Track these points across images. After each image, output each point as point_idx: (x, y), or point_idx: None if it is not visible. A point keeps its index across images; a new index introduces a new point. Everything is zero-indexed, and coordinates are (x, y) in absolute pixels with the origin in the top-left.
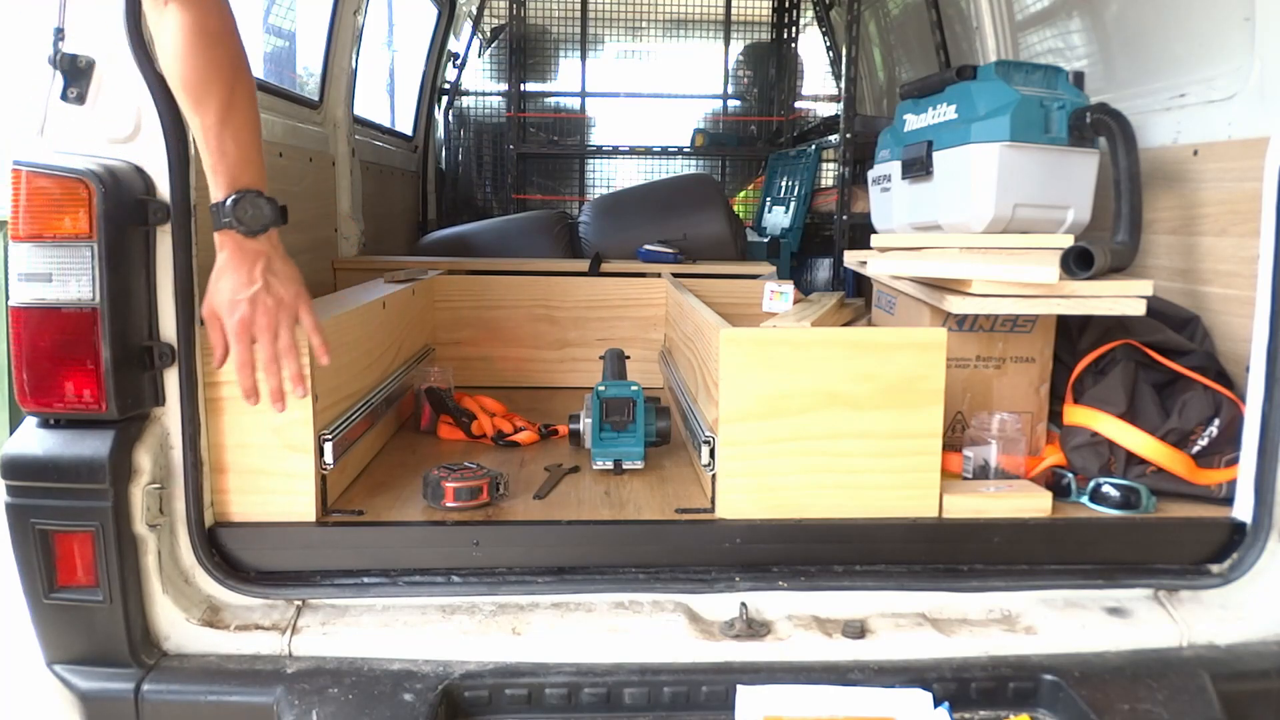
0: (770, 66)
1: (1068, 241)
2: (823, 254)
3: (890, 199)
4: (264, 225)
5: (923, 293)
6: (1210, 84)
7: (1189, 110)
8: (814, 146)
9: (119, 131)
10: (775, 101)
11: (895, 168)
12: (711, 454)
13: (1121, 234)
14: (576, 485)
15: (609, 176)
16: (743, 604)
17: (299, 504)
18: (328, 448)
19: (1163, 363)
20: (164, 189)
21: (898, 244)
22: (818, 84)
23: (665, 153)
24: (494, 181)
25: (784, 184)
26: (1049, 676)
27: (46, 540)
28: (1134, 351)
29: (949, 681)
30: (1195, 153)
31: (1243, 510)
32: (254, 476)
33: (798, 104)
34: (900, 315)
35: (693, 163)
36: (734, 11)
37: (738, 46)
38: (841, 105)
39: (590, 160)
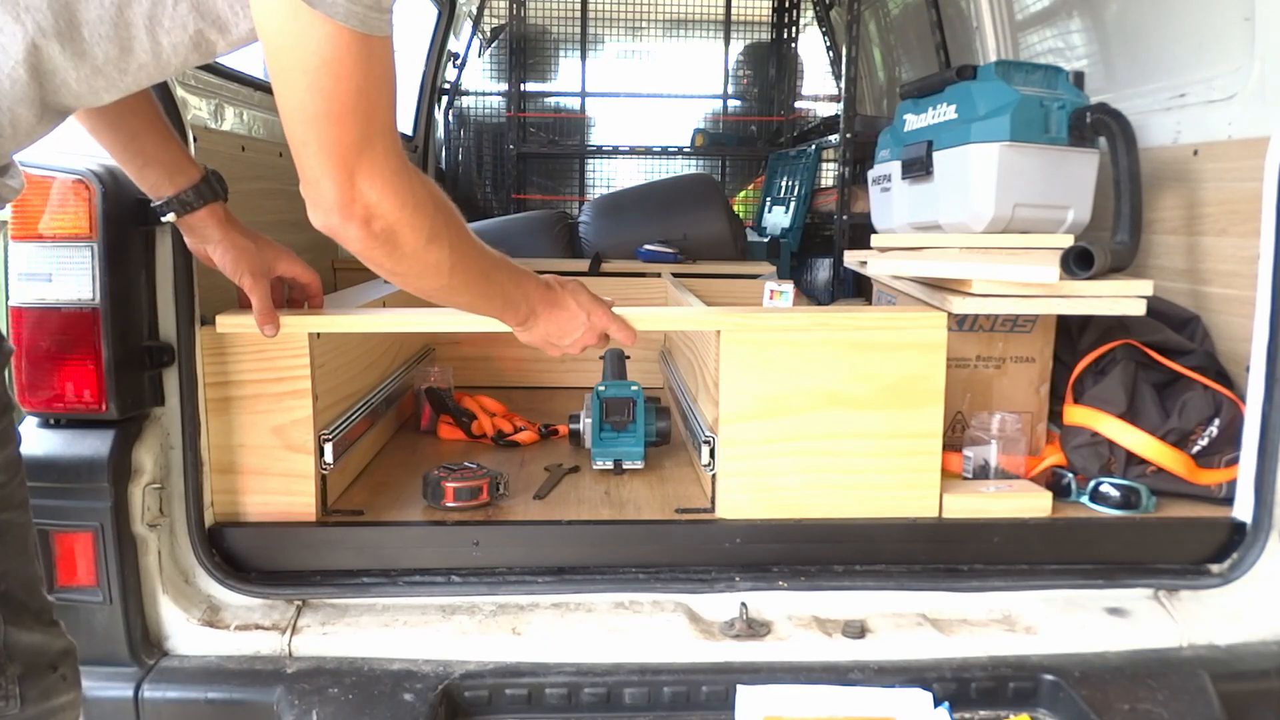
0: (770, 66)
1: (1068, 241)
2: (823, 254)
3: (890, 199)
4: None
5: (923, 293)
6: (1210, 84)
7: (1189, 110)
8: (814, 146)
9: None
10: (775, 101)
11: (895, 168)
12: (711, 454)
13: (1121, 234)
14: (576, 485)
15: (609, 176)
16: (743, 604)
17: (299, 504)
18: (328, 448)
19: (1163, 363)
20: None
21: (898, 244)
22: (818, 84)
23: (665, 153)
24: (494, 181)
25: (784, 184)
26: (1049, 676)
27: (47, 540)
28: (1134, 351)
29: (949, 681)
30: (1195, 153)
31: (1243, 510)
32: (254, 476)
33: (798, 104)
34: None
35: (693, 163)
36: (734, 11)
37: (738, 46)
38: (841, 105)
39: (590, 160)
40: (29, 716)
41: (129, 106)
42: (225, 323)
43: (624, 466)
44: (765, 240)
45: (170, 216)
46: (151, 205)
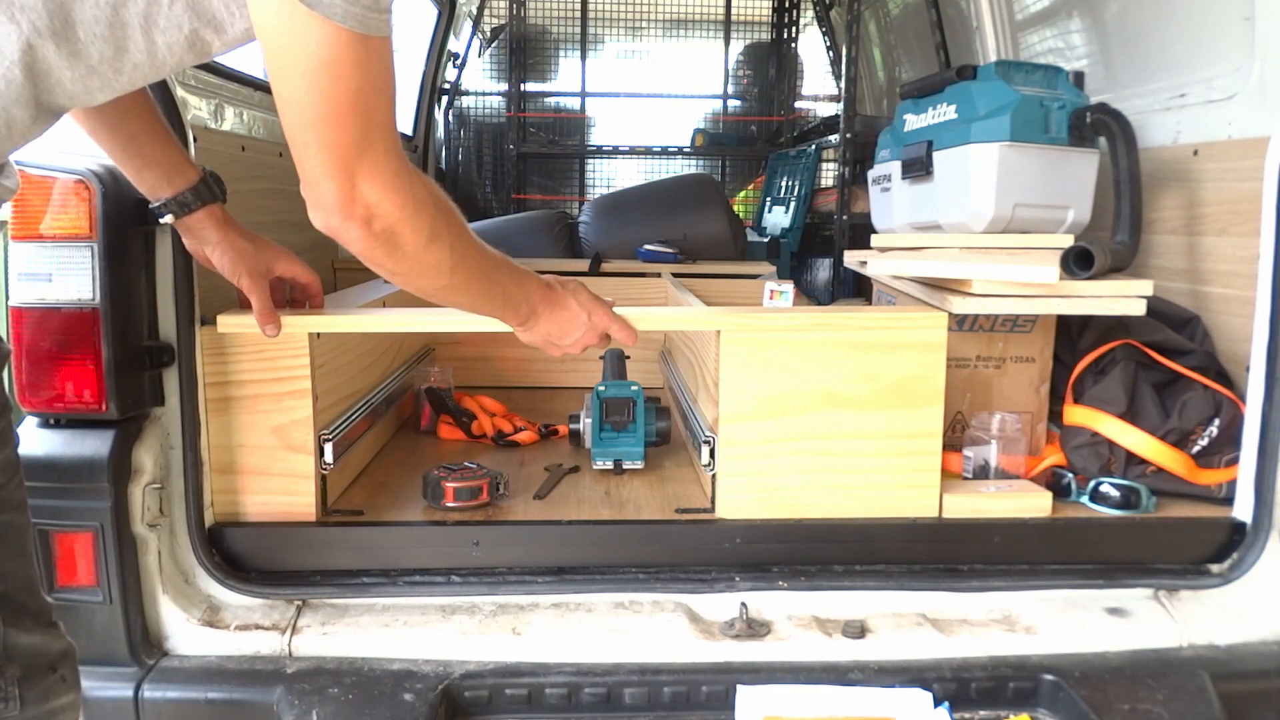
0: (770, 66)
1: (1068, 241)
2: (823, 254)
3: (890, 199)
4: None
5: (923, 293)
6: (1210, 84)
7: (1189, 110)
8: (814, 146)
9: None
10: (775, 101)
11: (895, 168)
12: (711, 454)
13: (1121, 234)
14: (576, 485)
15: (609, 176)
16: (743, 604)
17: (299, 504)
18: (328, 448)
19: (1163, 363)
20: None
21: (898, 244)
22: (818, 84)
23: (665, 153)
24: (494, 181)
25: (784, 184)
26: (1049, 676)
27: (46, 540)
28: (1134, 351)
29: (949, 681)
30: (1195, 153)
31: (1243, 510)
32: (254, 476)
33: (798, 104)
34: None
35: (693, 163)
36: (734, 11)
37: (738, 46)
38: (841, 105)
39: (590, 160)
40: (28, 718)
41: (127, 108)
42: (225, 323)
43: (624, 466)
44: (765, 240)
45: (168, 218)
46: (150, 206)
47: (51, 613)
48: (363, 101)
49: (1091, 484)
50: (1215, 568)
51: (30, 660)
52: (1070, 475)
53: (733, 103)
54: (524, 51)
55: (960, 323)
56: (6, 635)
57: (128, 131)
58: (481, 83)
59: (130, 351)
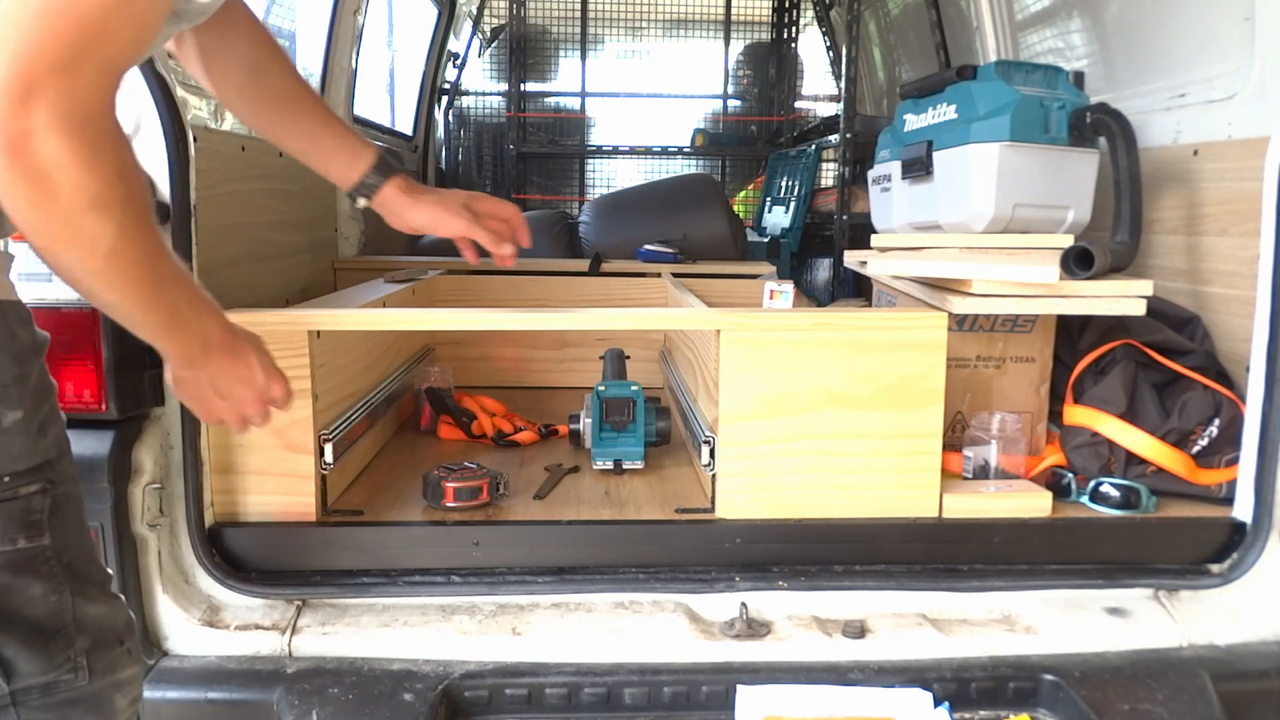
0: (770, 66)
1: (1068, 241)
2: (823, 254)
3: (890, 199)
4: None
5: (923, 293)
6: (1210, 84)
7: (1189, 110)
8: (814, 146)
9: None
10: (775, 101)
11: (895, 168)
12: (711, 454)
13: (1121, 234)
14: (576, 485)
15: (609, 176)
16: (743, 604)
17: (299, 504)
18: (328, 448)
19: (1163, 363)
20: (164, 189)
21: (898, 244)
22: (818, 84)
23: (665, 153)
24: (494, 181)
25: (784, 184)
26: (1049, 676)
27: None
28: (1134, 351)
29: (949, 681)
30: (1195, 153)
31: (1243, 510)
32: (254, 476)
33: (798, 104)
34: None
35: (693, 163)
36: (734, 11)
37: (738, 46)
38: (841, 105)
39: (590, 160)
40: (96, 689)
41: (303, 110)
42: None
43: (624, 466)
44: (765, 240)
45: (361, 202)
46: (347, 194)
47: (111, 582)
48: (99, 18)
49: (1091, 484)
50: (1215, 568)
51: (98, 632)
52: (1070, 475)
53: (733, 103)
54: (524, 51)
55: (960, 323)
56: (76, 606)
57: (308, 134)
58: (481, 83)
59: (130, 351)
